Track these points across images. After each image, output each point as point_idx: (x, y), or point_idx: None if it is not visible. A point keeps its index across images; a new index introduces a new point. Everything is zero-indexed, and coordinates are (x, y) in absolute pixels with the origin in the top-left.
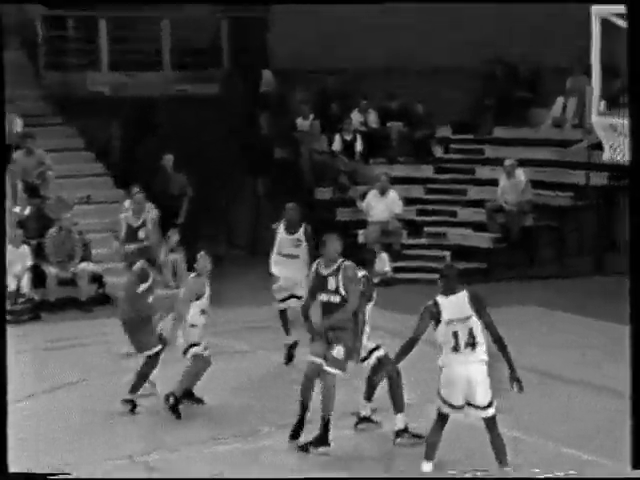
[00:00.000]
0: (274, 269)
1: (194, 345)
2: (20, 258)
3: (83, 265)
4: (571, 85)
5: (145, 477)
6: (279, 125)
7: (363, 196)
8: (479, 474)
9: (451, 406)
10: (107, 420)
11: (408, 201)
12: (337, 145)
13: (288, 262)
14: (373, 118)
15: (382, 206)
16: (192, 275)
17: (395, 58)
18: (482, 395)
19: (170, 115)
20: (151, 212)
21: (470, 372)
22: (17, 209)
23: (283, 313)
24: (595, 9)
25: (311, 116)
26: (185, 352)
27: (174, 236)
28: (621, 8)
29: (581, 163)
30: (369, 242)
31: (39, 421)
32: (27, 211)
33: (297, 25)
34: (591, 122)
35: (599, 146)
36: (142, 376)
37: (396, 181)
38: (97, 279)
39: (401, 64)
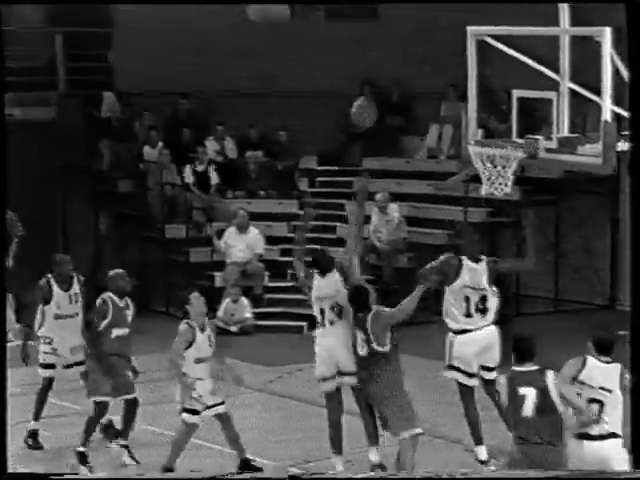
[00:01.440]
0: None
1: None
2: None
3: None
4: (446, 111)
5: (150, 477)
6: (123, 154)
7: (220, 234)
8: (476, 475)
9: (467, 374)
10: None
11: (270, 240)
12: (189, 177)
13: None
14: (230, 147)
15: (242, 245)
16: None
17: (255, 81)
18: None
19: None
20: None
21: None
22: None
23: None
24: (471, 30)
25: (160, 144)
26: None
27: None
28: (498, 29)
29: (458, 197)
30: (227, 285)
31: None
32: None
33: (144, 42)
34: (467, 153)
35: (477, 179)
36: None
37: (257, 217)
38: None
39: (262, 88)
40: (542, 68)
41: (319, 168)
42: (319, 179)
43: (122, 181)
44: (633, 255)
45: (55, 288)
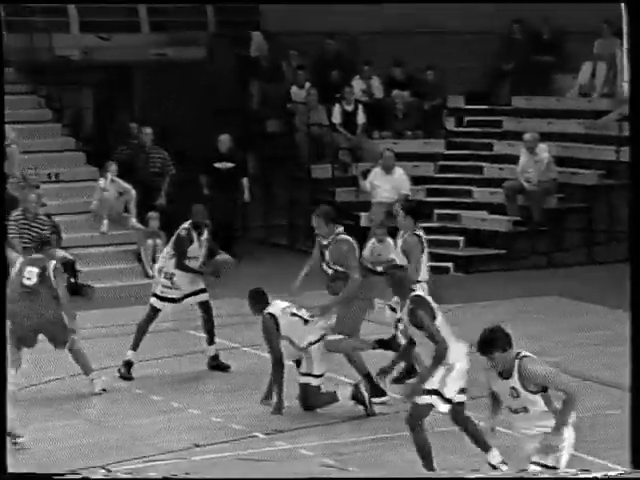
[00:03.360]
0: None
1: None
2: None
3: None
4: (599, 48)
5: (156, 477)
6: (271, 94)
7: (366, 174)
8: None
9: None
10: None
11: (416, 180)
12: (337, 117)
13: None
14: (377, 87)
15: (387, 185)
16: None
17: (403, 20)
18: None
19: (149, 82)
20: (129, 193)
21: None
22: None
23: None
24: None
25: (307, 84)
26: None
27: (154, 219)
28: None
29: (611, 137)
30: (373, 225)
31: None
32: None
33: None
34: (623, 90)
35: None
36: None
37: (403, 157)
38: (69, 267)
39: (409, 27)
40: None
41: (467, 107)
42: (467, 118)
43: (270, 121)
44: (633, 255)
45: (193, 235)
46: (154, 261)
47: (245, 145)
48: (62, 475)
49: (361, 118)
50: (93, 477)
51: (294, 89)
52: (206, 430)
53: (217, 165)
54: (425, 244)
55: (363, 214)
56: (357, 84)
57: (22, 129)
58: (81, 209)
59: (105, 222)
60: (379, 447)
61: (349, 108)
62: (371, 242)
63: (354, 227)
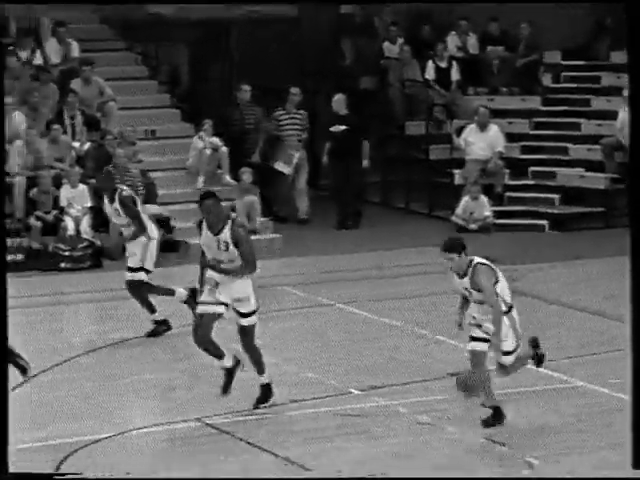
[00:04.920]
0: None
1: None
2: (78, 199)
3: (146, 207)
4: None
5: (149, 477)
6: (364, 51)
7: (460, 131)
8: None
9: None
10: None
11: (512, 137)
12: (430, 73)
13: None
14: (472, 42)
15: (482, 143)
16: None
17: None
18: None
19: (243, 39)
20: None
21: None
22: (75, 144)
23: None
24: None
25: (400, 40)
26: None
27: (247, 175)
28: None
29: None
30: (467, 183)
31: (94, 375)
32: (86, 146)
33: None
34: None
35: None
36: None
37: (498, 114)
38: (163, 223)
39: None
40: None
41: (564, 63)
42: (564, 74)
43: (363, 78)
44: (633, 256)
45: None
46: (248, 217)
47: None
48: (63, 475)
49: (455, 74)
50: (94, 477)
51: (387, 45)
52: (302, 386)
53: (332, 129)
54: None
55: (457, 172)
56: (451, 40)
57: (119, 86)
58: (176, 166)
59: (200, 178)
60: (474, 405)
61: (443, 64)
62: (465, 200)
63: (448, 185)
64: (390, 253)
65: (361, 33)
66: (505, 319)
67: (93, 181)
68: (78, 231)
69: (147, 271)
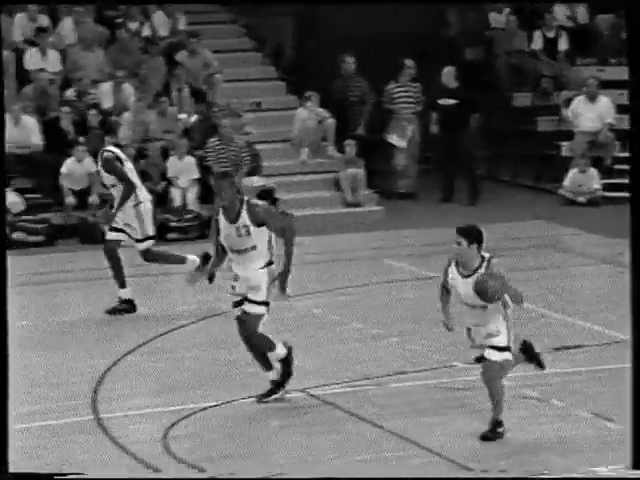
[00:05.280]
0: None
1: None
2: (185, 170)
3: (250, 179)
4: None
5: (149, 477)
6: (470, 21)
7: (568, 103)
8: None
9: None
10: None
11: (622, 108)
12: (538, 43)
13: None
14: (581, 11)
15: (591, 114)
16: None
17: None
18: None
19: (348, 12)
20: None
21: None
22: (182, 116)
23: None
24: None
25: (507, 10)
26: None
27: (351, 147)
28: None
29: None
30: (575, 156)
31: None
32: (193, 118)
33: None
34: None
35: None
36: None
37: (608, 85)
38: (268, 195)
39: None
40: None
41: None
42: None
43: (469, 49)
44: (633, 256)
45: None
46: (352, 190)
47: None
48: (64, 475)
49: (563, 44)
50: (94, 477)
51: (493, 15)
52: (405, 358)
53: (441, 102)
54: None
55: (564, 144)
56: (560, 9)
57: (225, 58)
58: (281, 137)
59: (305, 150)
60: (581, 380)
61: (550, 34)
62: (573, 172)
63: (555, 157)
64: (496, 226)
65: (466, 3)
66: (500, 316)
67: (200, 153)
68: (185, 203)
69: (151, 237)
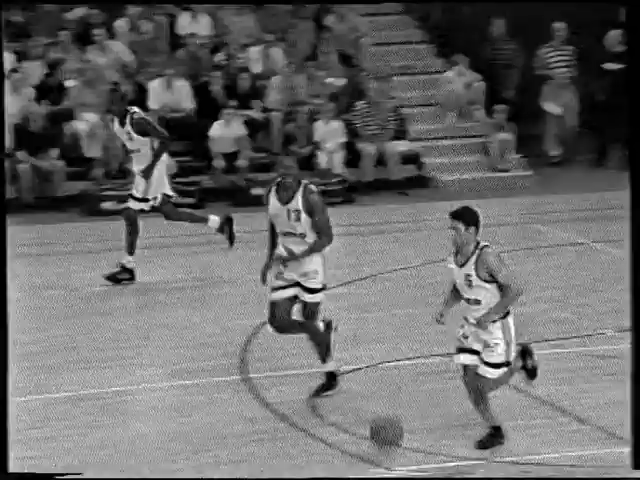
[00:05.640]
0: None
1: None
2: (332, 134)
3: (395, 143)
4: None
5: (155, 477)
6: None
7: None
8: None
9: None
10: None
11: None
12: None
13: None
14: None
15: None
16: None
17: None
18: None
19: None
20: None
21: None
22: (330, 80)
23: None
24: None
25: None
26: None
27: (501, 112)
28: None
29: None
30: None
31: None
32: (340, 82)
33: None
34: None
35: None
36: None
37: None
38: (414, 159)
39: None
40: None
41: None
42: None
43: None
44: (633, 257)
45: None
46: (501, 154)
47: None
48: (63, 475)
49: None
50: (95, 477)
51: None
52: (554, 324)
53: (606, 66)
54: None
55: None
56: None
57: (372, 22)
58: (429, 101)
59: (452, 114)
60: None
61: None
62: None
63: None
64: None
65: None
66: (498, 324)
67: (347, 117)
68: (331, 166)
69: (168, 196)
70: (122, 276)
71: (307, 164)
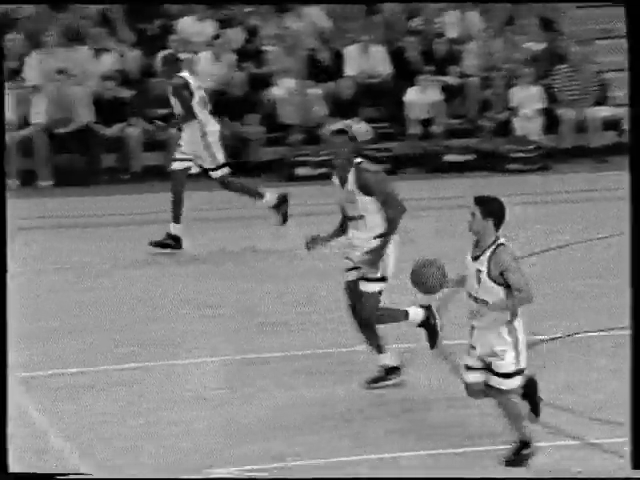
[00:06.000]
0: None
1: None
2: (530, 100)
3: (596, 109)
4: None
5: (152, 477)
6: None
7: None
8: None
9: None
10: None
11: None
12: None
13: None
14: None
15: None
16: None
17: None
18: None
19: None
20: None
21: None
22: (528, 44)
23: None
24: None
25: None
26: None
27: None
28: None
29: None
30: None
31: None
32: (539, 47)
33: None
34: None
35: None
36: None
37: None
38: (615, 125)
39: None
40: None
41: None
42: None
43: None
44: (633, 257)
45: None
46: None
47: None
48: (65, 475)
49: None
50: (95, 477)
51: None
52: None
53: None
54: None
55: None
56: None
57: None
58: None
59: None
60: None
61: None
62: None
63: None
64: None
65: None
66: (505, 329)
67: (546, 82)
68: (527, 133)
69: (224, 165)
70: (170, 241)
71: (503, 130)
